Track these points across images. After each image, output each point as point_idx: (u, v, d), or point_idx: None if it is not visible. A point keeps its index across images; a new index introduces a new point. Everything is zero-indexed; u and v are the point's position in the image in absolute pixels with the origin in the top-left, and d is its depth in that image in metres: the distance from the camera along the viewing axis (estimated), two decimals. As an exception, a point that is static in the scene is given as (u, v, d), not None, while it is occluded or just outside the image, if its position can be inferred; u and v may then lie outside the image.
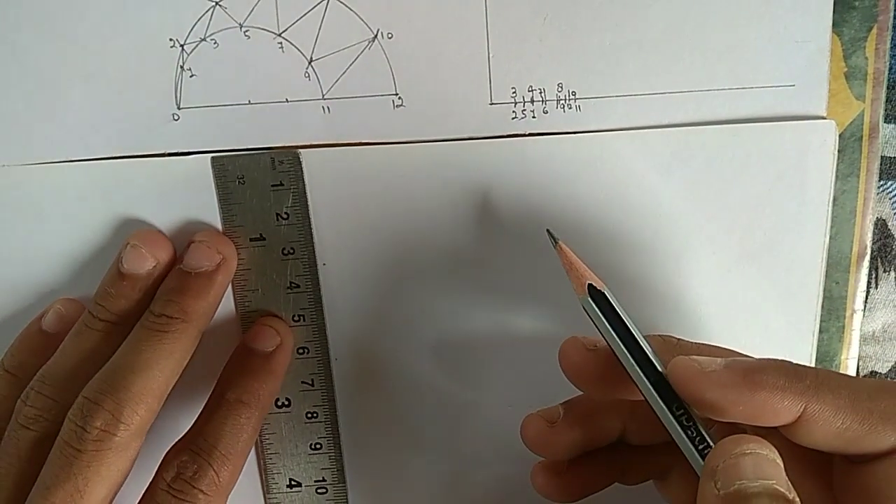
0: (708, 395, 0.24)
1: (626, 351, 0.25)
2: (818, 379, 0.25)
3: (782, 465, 0.23)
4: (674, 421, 0.25)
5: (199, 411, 0.30)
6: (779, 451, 0.23)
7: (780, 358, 0.26)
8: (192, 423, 0.30)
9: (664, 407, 0.25)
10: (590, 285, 0.26)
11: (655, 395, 0.25)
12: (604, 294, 0.26)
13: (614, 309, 0.26)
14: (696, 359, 0.25)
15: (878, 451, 0.24)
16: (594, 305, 0.26)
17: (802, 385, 0.24)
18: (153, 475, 0.29)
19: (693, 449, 0.25)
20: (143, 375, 0.28)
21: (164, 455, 0.29)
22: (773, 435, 0.24)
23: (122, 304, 0.30)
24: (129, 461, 0.28)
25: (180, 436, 0.29)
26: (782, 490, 0.22)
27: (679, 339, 0.28)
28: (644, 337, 0.26)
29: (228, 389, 0.30)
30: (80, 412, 0.27)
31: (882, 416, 0.24)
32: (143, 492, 0.28)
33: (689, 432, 0.25)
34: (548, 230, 0.28)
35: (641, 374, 0.25)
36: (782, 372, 0.25)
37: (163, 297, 0.29)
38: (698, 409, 0.25)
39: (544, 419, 0.28)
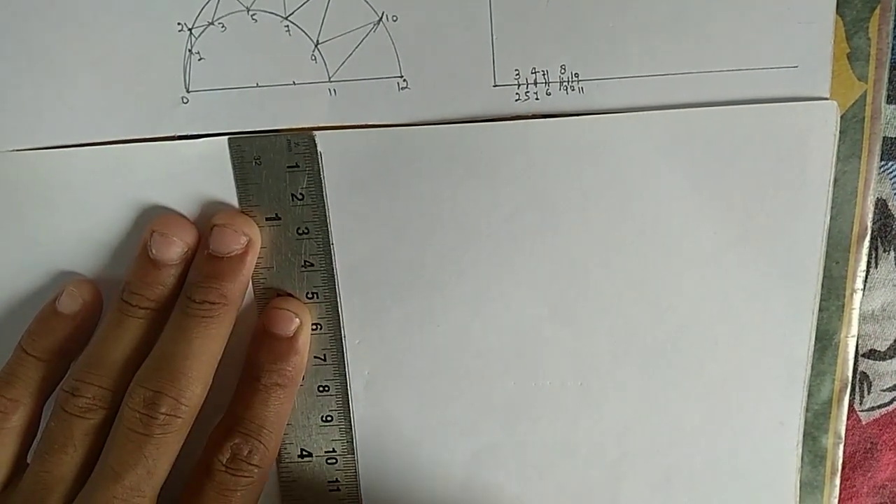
0: None
1: None
2: None
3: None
4: None
5: (216, 381, 0.31)
6: None
7: None
8: (217, 401, 0.31)
9: None
10: None
11: None
12: None
13: None
14: None
15: None
16: None
17: None
18: (201, 457, 0.31)
19: None
20: (198, 360, 0.29)
21: (208, 439, 0.31)
22: None
23: (159, 290, 0.30)
24: (186, 435, 0.29)
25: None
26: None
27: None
28: None
29: (261, 375, 0.31)
30: (142, 400, 0.28)
31: None
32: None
33: None
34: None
35: None
36: None
37: (200, 283, 0.30)
38: None
39: None
